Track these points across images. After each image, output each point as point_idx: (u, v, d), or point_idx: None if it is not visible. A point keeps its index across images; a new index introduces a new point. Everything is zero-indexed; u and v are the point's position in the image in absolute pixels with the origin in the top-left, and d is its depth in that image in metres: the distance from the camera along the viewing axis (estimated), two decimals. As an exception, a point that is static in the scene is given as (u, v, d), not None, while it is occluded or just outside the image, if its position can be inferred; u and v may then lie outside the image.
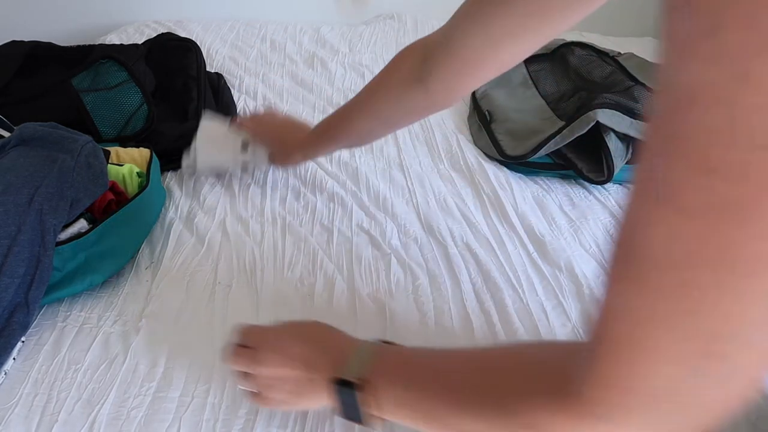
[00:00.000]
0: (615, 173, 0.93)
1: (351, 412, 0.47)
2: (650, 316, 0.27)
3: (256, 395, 0.53)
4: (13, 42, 1.15)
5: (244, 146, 0.89)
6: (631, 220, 0.29)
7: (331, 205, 0.90)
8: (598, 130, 0.93)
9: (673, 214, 0.25)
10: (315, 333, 0.53)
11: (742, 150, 0.22)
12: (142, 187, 0.79)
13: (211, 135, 0.90)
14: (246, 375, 0.53)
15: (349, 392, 0.45)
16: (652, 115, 0.26)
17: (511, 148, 1.01)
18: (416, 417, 0.43)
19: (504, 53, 0.56)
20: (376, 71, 1.36)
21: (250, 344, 0.52)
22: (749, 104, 0.21)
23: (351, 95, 1.23)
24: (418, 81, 0.66)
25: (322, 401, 0.49)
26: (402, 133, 1.11)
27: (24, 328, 0.61)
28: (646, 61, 1.17)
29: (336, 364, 0.48)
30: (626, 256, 0.29)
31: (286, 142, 0.88)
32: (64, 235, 0.67)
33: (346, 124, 0.79)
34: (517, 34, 0.53)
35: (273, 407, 0.54)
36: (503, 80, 1.21)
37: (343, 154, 1.03)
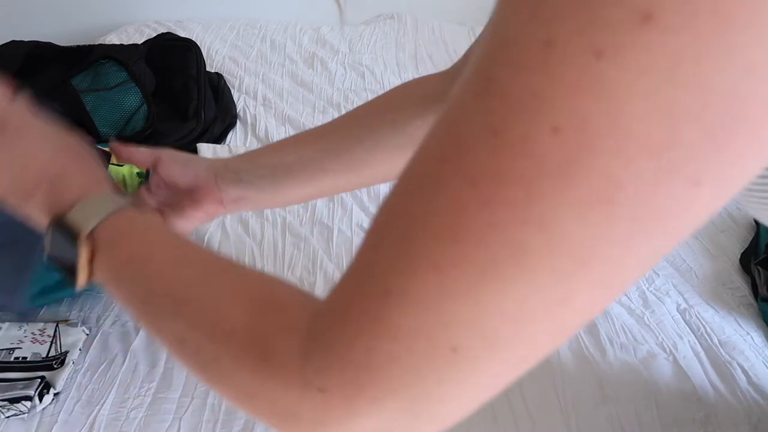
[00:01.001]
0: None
1: (62, 257, 0.37)
2: (408, 287, 0.23)
3: None
4: (13, 42, 1.15)
5: None
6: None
7: (331, 204, 0.90)
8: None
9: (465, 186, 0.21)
10: (77, 148, 0.41)
11: None
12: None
13: None
14: None
15: (64, 236, 0.36)
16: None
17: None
18: (130, 298, 0.34)
19: None
20: (376, 71, 1.38)
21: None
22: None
23: (351, 95, 1.25)
24: (441, 102, 0.57)
25: (33, 216, 0.39)
26: (402, 133, 1.11)
27: None
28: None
29: (63, 202, 0.37)
30: (386, 217, 0.25)
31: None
32: (63, 236, 0.66)
33: (324, 138, 0.54)
34: None
35: None
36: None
37: (343, 154, 1.03)
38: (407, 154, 0.26)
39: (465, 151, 0.22)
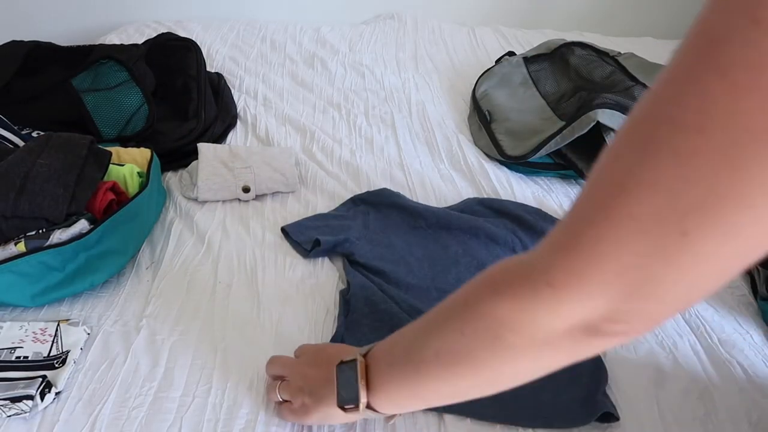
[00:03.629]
0: (615, 173, 0.93)
1: (346, 393, 0.49)
2: (641, 179, 0.26)
3: (287, 405, 0.56)
4: (13, 42, 1.15)
5: (246, 190, 0.89)
6: (668, 83, 0.26)
7: (332, 204, 0.90)
8: (599, 130, 0.93)
9: (714, 78, 0.23)
10: (341, 346, 0.59)
11: None
12: (142, 187, 0.79)
13: (214, 180, 0.88)
14: (280, 384, 0.57)
15: (348, 370, 0.50)
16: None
17: (512, 148, 1.01)
18: (400, 370, 0.46)
19: None
20: (377, 71, 1.38)
21: (278, 373, 0.59)
22: None
23: (351, 95, 1.25)
24: None
25: (330, 404, 0.51)
26: (402, 133, 1.11)
27: None
28: (646, 61, 1.17)
29: (344, 357, 0.53)
30: (646, 120, 0.27)
31: None
32: (65, 236, 0.67)
33: None
34: None
35: (301, 417, 0.55)
36: (504, 80, 1.21)
37: (344, 153, 1.03)
38: None
39: (718, 44, 0.23)
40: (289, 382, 0.56)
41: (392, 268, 0.75)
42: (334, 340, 0.66)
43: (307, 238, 0.79)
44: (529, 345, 0.35)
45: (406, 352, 0.45)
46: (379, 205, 0.86)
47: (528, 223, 0.84)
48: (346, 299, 0.70)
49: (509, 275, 0.36)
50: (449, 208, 0.90)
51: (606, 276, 0.29)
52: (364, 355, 0.50)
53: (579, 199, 0.31)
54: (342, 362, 0.51)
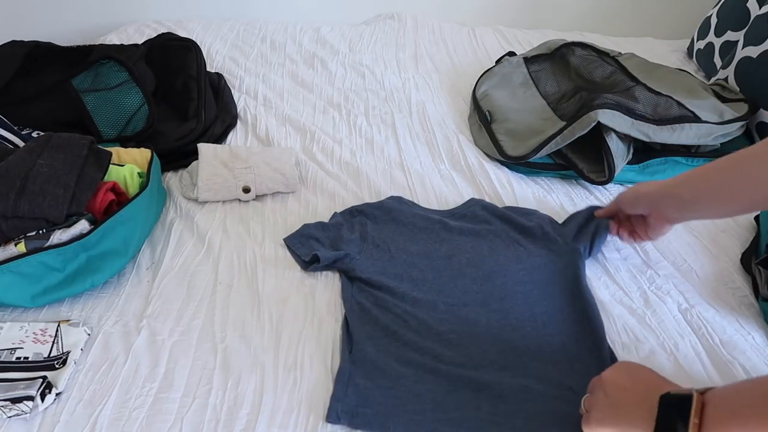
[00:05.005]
0: (616, 174, 0.93)
1: (671, 428, 0.47)
2: None
3: (585, 416, 0.55)
4: (13, 42, 1.15)
5: (246, 191, 0.89)
6: None
7: (332, 204, 0.90)
8: (599, 130, 0.93)
9: None
10: (656, 373, 0.56)
11: None
12: (142, 188, 0.79)
13: (215, 180, 0.88)
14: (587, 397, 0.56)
15: (675, 409, 0.47)
16: None
17: (512, 149, 1.01)
18: (750, 422, 0.43)
19: None
20: (377, 71, 1.38)
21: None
22: None
23: (351, 95, 1.25)
24: None
25: (633, 424, 0.50)
26: (403, 133, 1.11)
27: None
28: (647, 61, 1.17)
29: (662, 390, 0.50)
30: None
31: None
32: (65, 236, 0.66)
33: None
34: None
35: (590, 427, 0.54)
36: (504, 80, 1.21)
37: (344, 153, 1.03)
38: None
39: None
40: (595, 394, 0.55)
41: (396, 284, 0.73)
42: (340, 375, 0.62)
43: (307, 249, 0.78)
44: None
45: (761, 402, 0.43)
46: (377, 219, 0.85)
47: (530, 231, 0.83)
48: (348, 333, 0.67)
49: None
50: (452, 210, 0.89)
51: None
52: (702, 393, 0.47)
53: None
54: (670, 394, 0.49)
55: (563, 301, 0.73)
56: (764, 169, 0.61)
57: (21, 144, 0.84)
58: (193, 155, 0.93)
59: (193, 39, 1.22)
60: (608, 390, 0.53)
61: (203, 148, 0.92)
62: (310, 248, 0.78)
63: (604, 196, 0.97)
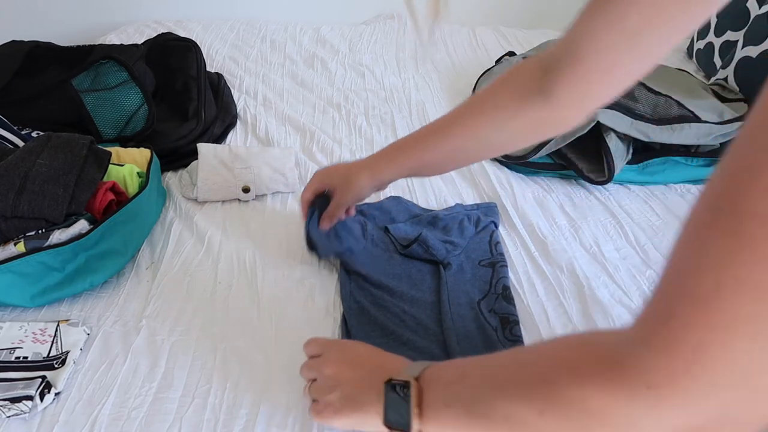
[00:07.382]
0: (615, 173, 0.93)
1: (397, 416, 0.47)
2: (746, 276, 0.24)
3: (314, 405, 0.54)
4: (13, 42, 1.15)
5: (246, 190, 0.89)
6: (734, 168, 0.26)
7: (332, 205, 0.90)
8: (599, 130, 0.93)
9: None
10: (374, 349, 0.57)
11: None
12: (142, 187, 0.79)
13: (214, 180, 0.88)
14: (311, 382, 0.56)
15: (398, 393, 0.48)
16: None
17: (512, 148, 1.01)
18: (460, 414, 0.43)
19: (640, 49, 0.50)
20: (377, 71, 1.38)
21: (316, 352, 0.58)
22: None
23: (351, 95, 1.25)
24: (539, 93, 0.58)
25: (369, 411, 0.50)
26: (402, 133, 1.10)
27: None
28: (647, 61, 1.17)
29: (391, 372, 0.51)
30: (724, 208, 0.26)
31: (348, 171, 0.75)
32: (64, 236, 0.66)
33: (431, 143, 0.69)
34: (655, 24, 0.47)
35: (327, 418, 0.52)
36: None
37: (344, 153, 1.03)
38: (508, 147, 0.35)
39: None
40: (318, 381, 0.55)
41: (396, 283, 0.74)
42: None
43: (320, 234, 0.77)
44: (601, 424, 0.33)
45: (469, 401, 0.43)
46: (376, 219, 0.85)
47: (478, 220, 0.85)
48: (347, 332, 0.68)
49: (594, 362, 0.33)
50: (449, 209, 0.90)
51: (716, 378, 0.27)
52: (416, 378, 0.48)
53: (667, 288, 0.30)
54: (392, 381, 0.49)
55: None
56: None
57: (21, 144, 0.84)
58: (193, 155, 0.94)
59: (193, 39, 1.22)
60: (330, 377, 0.53)
61: (203, 148, 0.92)
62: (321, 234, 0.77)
63: (603, 195, 0.97)
